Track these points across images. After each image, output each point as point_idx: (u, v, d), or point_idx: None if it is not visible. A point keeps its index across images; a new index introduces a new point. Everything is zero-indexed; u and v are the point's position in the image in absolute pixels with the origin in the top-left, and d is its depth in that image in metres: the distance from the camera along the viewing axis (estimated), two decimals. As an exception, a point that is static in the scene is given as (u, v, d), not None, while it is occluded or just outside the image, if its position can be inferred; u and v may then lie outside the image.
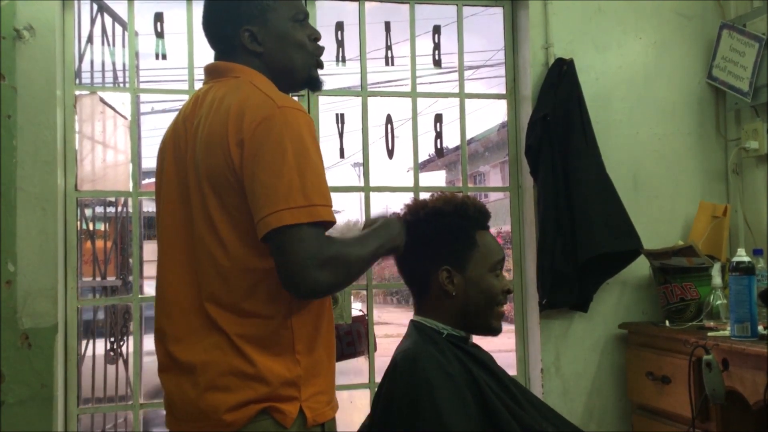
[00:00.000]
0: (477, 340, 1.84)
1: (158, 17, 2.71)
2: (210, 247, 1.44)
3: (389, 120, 2.92)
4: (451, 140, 3.27)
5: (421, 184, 2.92)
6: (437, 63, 3.02)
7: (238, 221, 1.41)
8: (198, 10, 2.65)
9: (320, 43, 1.66)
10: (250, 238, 1.39)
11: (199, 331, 1.44)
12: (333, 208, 1.42)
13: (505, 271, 1.87)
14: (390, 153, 2.92)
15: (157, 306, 1.56)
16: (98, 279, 3.50)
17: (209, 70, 1.61)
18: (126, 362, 3.73)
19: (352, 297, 2.77)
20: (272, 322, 1.43)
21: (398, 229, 1.67)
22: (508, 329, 3.33)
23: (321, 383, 1.48)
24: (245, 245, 1.41)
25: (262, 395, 1.39)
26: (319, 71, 1.65)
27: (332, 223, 1.39)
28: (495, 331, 1.79)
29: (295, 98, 1.66)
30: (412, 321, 1.79)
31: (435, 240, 1.74)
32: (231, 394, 1.39)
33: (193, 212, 1.47)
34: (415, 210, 1.79)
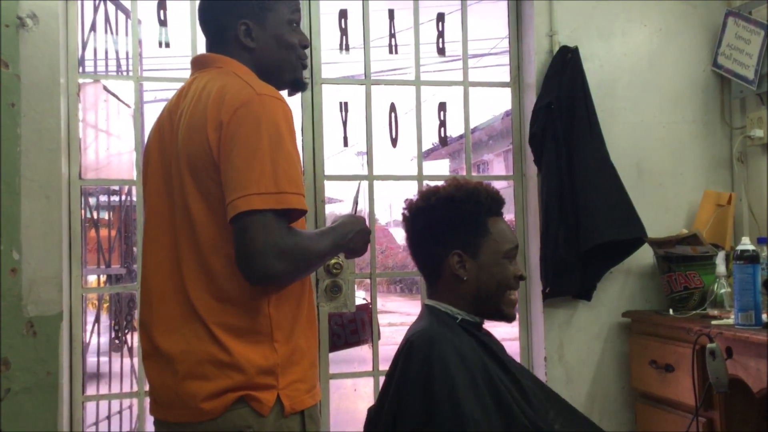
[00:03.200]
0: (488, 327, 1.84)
1: (161, 5, 2.70)
2: (189, 233, 1.46)
3: (393, 108, 2.91)
4: (454, 129, 3.25)
5: (425, 172, 2.92)
6: (441, 51, 3.01)
7: (215, 207, 1.43)
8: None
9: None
10: (226, 223, 1.40)
11: (179, 319, 1.46)
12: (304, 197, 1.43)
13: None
14: (394, 141, 2.92)
15: (141, 295, 1.58)
16: (102, 267, 3.52)
17: (195, 62, 1.64)
18: (131, 350, 3.75)
19: (356, 286, 2.78)
20: (250, 310, 1.44)
21: (356, 230, 1.64)
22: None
23: (300, 371, 1.49)
24: (221, 231, 1.42)
25: (238, 383, 1.41)
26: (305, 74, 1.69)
27: (303, 211, 1.42)
28: (507, 318, 1.80)
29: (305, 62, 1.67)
30: (426, 304, 1.80)
31: (447, 226, 1.75)
32: (208, 382, 1.41)
33: (175, 201, 1.49)
34: (427, 196, 1.80)
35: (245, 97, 1.41)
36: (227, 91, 1.44)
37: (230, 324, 1.43)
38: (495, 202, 1.79)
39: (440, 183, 1.84)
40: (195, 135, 1.44)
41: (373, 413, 1.77)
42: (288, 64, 1.63)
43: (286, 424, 1.45)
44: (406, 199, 1.85)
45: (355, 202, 1.91)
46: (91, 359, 3.13)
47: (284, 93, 1.62)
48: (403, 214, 1.84)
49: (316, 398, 1.53)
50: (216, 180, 1.42)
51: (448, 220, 1.75)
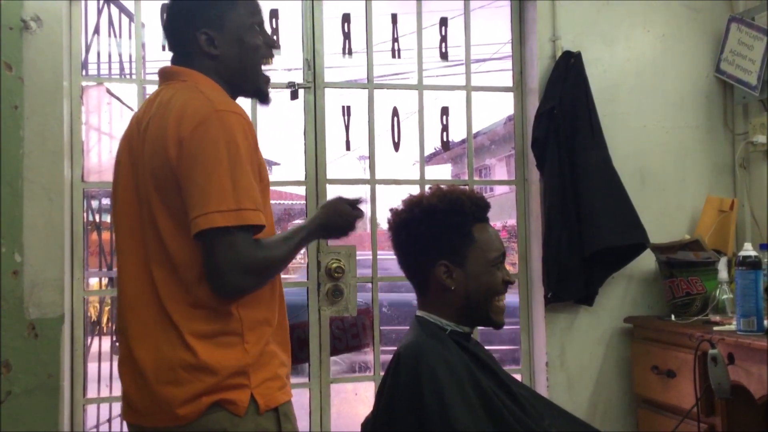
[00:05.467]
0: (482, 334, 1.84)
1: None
2: (157, 245, 1.48)
3: (395, 113, 2.91)
4: (457, 133, 3.25)
5: (427, 177, 2.92)
6: (444, 56, 3.01)
7: (181, 221, 1.45)
8: None
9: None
10: (188, 233, 1.43)
11: (151, 326, 1.48)
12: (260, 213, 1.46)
13: (510, 264, 1.86)
14: (396, 146, 2.92)
15: (117, 302, 1.60)
16: (104, 270, 3.51)
17: (162, 73, 1.65)
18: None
19: (357, 290, 2.77)
20: (221, 314, 1.46)
21: (320, 223, 1.65)
22: (513, 322, 3.33)
23: (270, 370, 1.51)
24: (189, 243, 1.44)
25: (210, 386, 1.43)
26: (269, 88, 1.71)
27: (261, 227, 1.45)
28: (496, 324, 1.78)
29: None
30: (416, 316, 1.79)
31: (431, 237, 1.74)
32: (181, 387, 1.43)
33: (143, 211, 1.52)
34: (410, 207, 1.79)
35: (204, 114, 1.44)
36: (188, 107, 1.46)
37: (202, 329, 1.46)
38: (479, 209, 1.77)
39: (426, 191, 1.82)
40: (158, 151, 1.47)
41: (367, 426, 1.76)
42: (254, 68, 1.64)
43: (262, 424, 1.47)
44: (391, 209, 1.83)
45: None
46: (92, 362, 3.13)
47: (248, 105, 1.59)
48: (389, 224, 1.83)
49: (288, 395, 1.55)
50: (177, 193, 1.44)
51: (433, 231, 1.74)
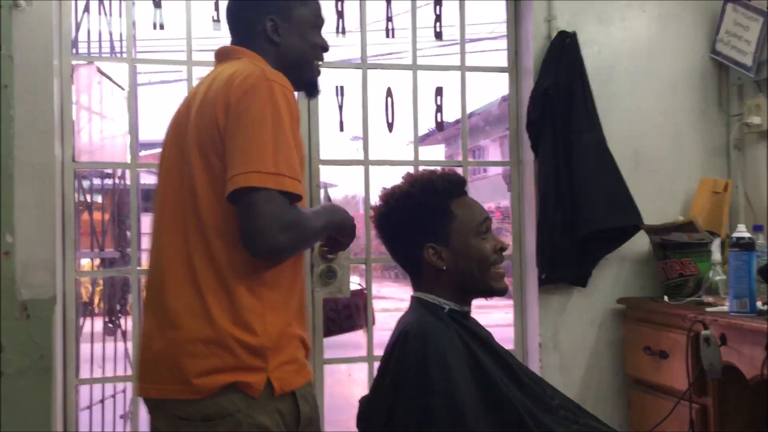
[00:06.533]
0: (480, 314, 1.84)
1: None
2: (193, 212, 1.51)
3: (389, 93, 2.89)
4: (451, 114, 3.24)
5: (421, 158, 2.90)
6: (438, 35, 2.99)
7: (217, 183, 1.47)
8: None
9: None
10: (225, 201, 1.45)
11: (182, 298, 1.50)
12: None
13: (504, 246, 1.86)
14: (390, 126, 2.90)
15: (148, 276, 1.63)
16: (96, 251, 3.50)
17: (219, 53, 1.70)
18: (124, 334, 3.74)
19: (350, 271, 2.77)
20: (245, 293, 1.48)
21: (341, 219, 1.72)
22: (507, 303, 3.34)
23: (289, 353, 1.52)
24: (222, 207, 1.47)
25: (228, 364, 1.45)
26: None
27: (298, 196, 1.47)
28: (499, 292, 1.78)
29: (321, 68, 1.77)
30: (414, 297, 1.79)
31: (411, 223, 1.75)
32: (199, 360, 1.46)
33: (184, 181, 1.54)
34: (386, 199, 1.80)
35: (254, 80, 1.47)
36: (239, 74, 1.50)
37: (225, 306, 1.47)
38: (453, 184, 1.78)
39: (398, 182, 1.83)
40: (206, 114, 1.50)
41: (366, 404, 1.76)
42: (308, 63, 1.71)
43: (277, 406, 1.49)
44: (372, 206, 1.86)
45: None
46: (84, 343, 3.13)
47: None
48: (372, 222, 1.85)
49: (306, 377, 1.56)
50: (220, 156, 1.47)
51: (412, 216, 1.75)
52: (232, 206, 1.44)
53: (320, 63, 1.76)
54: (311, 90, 1.78)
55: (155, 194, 1.66)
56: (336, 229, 1.73)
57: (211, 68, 1.69)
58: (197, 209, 1.50)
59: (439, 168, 1.86)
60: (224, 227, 1.48)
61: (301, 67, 1.70)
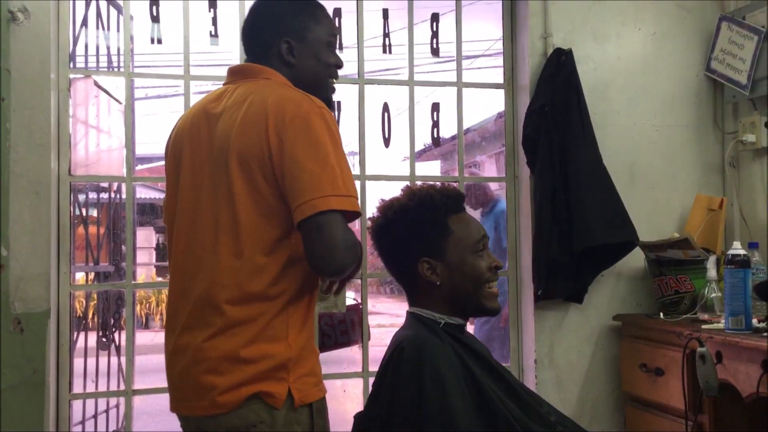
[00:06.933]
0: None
1: (154, 1, 2.68)
2: (230, 228, 1.54)
3: (386, 108, 2.90)
4: (447, 130, 3.25)
5: (417, 173, 2.91)
6: (435, 52, 3.00)
7: (258, 198, 1.53)
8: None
9: None
10: (265, 215, 1.53)
11: (205, 317, 1.54)
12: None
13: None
14: (386, 142, 2.91)
15: (170, 294, 1.68)
16: (91, 264, 3.49)
17: (238, 71, 1.73)
18: (118, 349, 3.72)
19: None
20: (272, 307, 1.53)
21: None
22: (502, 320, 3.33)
23: (308, 365, 1.58)
24: (262, 223, 1.53)
25: (251, 376, 1.50)
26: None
27: (359, 214, 1.55)
28: (491, 311, 1.78)
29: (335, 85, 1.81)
30: (409, 312, 1.79)
31: (408, 237, 1.76)
32: (222, 376, 1.50)
33: (210, 193, 1.59)
34: (384, 212, 1.81)
35: (307, 107, 1.54)
36: (289, 99, 1.55)
37: (250, 321, 1.52)
38: (451, 200, 1.78)
39: (398, 194, 1.84)
40: (252, 132, 1.53)
41: (360, 419, 1.75)
42: (323, 82, 1.75)
43: (296, 418, 1.53)
44: (370, 218, 1.86)
45: None
46: (78, 357, 3.10)
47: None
48: (369, 234, 1.85)
49: (323, 391, 1.61)
50: (265, 176, 1.52)
51: (408, 230, 1.76)
52: (270, 225, 1.52)
53: (334, 81, 1.79)
54: (327, 106, 1.81)
55: (168, 207, 1.69)
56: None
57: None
58: (236, 226, 1.54)
59: (438, 183, 1.86)
60: (264, 244, 1.53)
61: (317, 86, 1.72)
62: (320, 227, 1.46)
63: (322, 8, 1.77)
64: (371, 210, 2.96)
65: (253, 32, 1.74)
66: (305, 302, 1.60)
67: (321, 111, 1.54)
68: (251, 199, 1.53)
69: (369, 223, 1.86)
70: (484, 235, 1.78)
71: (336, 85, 1.82)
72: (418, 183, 1.88)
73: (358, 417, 1.77)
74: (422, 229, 1.75)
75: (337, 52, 1.81)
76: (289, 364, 1.52)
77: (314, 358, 1.62)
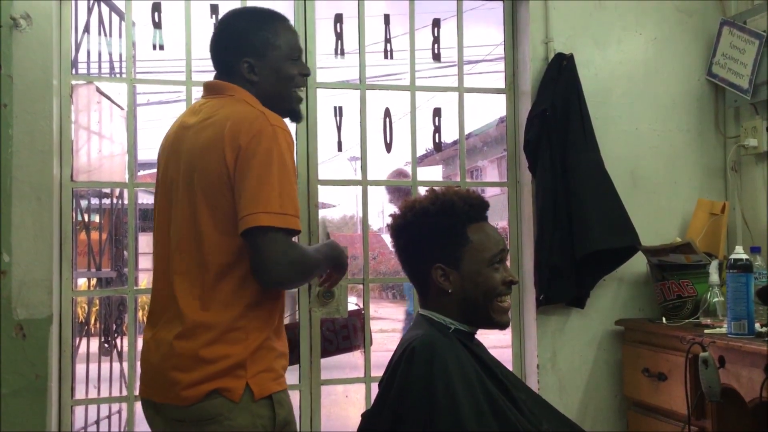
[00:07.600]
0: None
1: (156, 7, 2.69)
2: (194, 241, 1.66)
3: (387, 113, 2.90)
4: (449, 135, 3.25)
5: (419, 178, 2.91)
6: (436, 57, 3.00)
7: (220, 219, 1.64)
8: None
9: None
10: (226, 231, 1.63)
11: (170, 319, 1.68)
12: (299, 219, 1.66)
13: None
14: (388, 147, 2.90)
15: (152, 291, 1.81)
16: (93, 270, 3.49)
17: (209, 87, 1.83)
18: (120, 354, 3.72)
19: (348, 291, 2.76)
20: (232, 312, 1.64)
21: (338, 255, 1.87)
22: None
23: (266, 363, 1.67)
24: (223, 240, 1.64)
25: (210, 374, 1.61)
26: (301, 96, 1.90)
27: (298, 231, 1.64)
28: (499, 325, 1.76)
29: (301, 93, 1.88)
30: (420, 314, 1.78)
31: (425, 240, 1.74)
32: (186, 373, 1.62)
33: (179, 208, 1.70)
34: (404, 212, 1.79)
35: (260, 126, 1.62)
36: (245, 118, 1.64)
37: (211, 325, 1.63)
38: (473, 208, 1.75)
39: (424, 193, 1.83)
40: (211, 153, 1.64)
41: (368, 417, 1.75)
42: (286, 95, 1.81)
43: (256, 410, 1.63)
44: (391, 213, 1.84)
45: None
46: (80, 363, 3.10)
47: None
48: (388, 229, 1.84)
49: (282, 385, 1.70)
50: (225, 195, 1.62)
51: (426, 234, 1.74)
52: (230, 240, 1.62)
53: (299, 90, 1.85)
54: (293, 117, 1.87)
55: (155, 213, 1.80)
56: (333, 264, 1.87)
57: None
58: (199, 241, 1.65)
59: (464, 189, 1.85)
60: (221, 258, 1.64)
61: (281, 99, 1.79)
62: (255, 242, 1.57)
63: (283, 21, 1.82)
64: (373, 215, 2.97)
65: (217, 52, 1.81)
66: (267, 307, 1.68)
67: (273, 129, 1.62)
68: (211, 216, 1.64)
69: (390, 219, 1.83)
70: (503, 248, 1.75)
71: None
72: (437, 188, 1.85)
73: (365, 415, 1.76)
74: (440, 236, 1.72)
75: (302, 59, 1.86)
76: (247, 363, 1.62)
77: (272, 355, 1.69)
